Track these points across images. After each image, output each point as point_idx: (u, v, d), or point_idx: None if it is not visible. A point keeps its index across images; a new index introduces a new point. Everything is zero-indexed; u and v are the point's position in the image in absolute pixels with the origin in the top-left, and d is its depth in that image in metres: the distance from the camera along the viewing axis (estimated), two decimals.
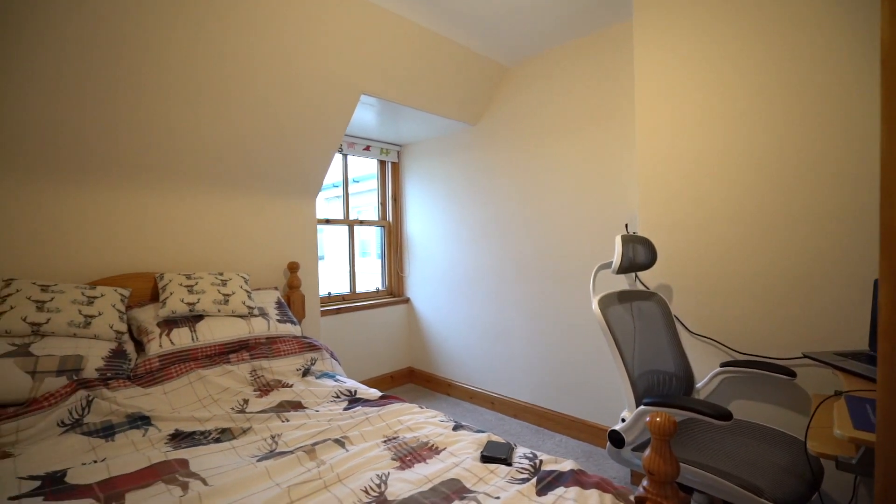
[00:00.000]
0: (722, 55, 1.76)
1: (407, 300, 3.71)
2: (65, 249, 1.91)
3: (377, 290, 3.68)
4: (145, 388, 1.61)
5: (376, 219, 3.71)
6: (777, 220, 1.66)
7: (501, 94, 2.96)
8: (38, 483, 1.07)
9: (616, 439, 1.47)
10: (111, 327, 1.73)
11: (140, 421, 1.43)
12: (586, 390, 2.57)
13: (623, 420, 1.48)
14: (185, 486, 1.07)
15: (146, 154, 2.04)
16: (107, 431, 1.37)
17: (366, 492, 1.07)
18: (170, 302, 1.93)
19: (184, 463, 1.19)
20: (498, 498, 1.03)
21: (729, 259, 1.78)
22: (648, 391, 1.56)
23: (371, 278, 3.76)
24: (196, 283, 2.04)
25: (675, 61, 1.88)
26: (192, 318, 1.96)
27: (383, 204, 3.74)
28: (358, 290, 3.53)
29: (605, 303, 1.57)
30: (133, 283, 2.04)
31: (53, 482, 1.08)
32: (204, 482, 1.09)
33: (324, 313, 3.08)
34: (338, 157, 3.37)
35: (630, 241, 1.69)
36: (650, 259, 1.77)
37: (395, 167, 3.74)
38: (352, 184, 3.51)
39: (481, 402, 3.14)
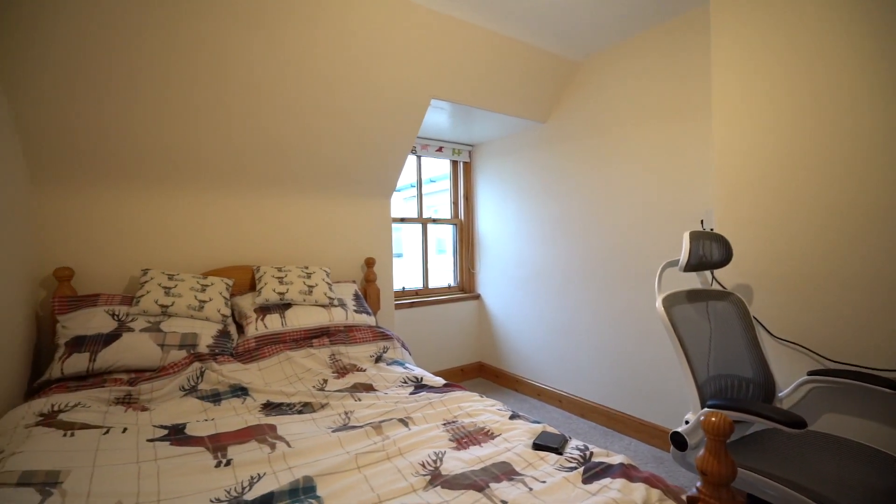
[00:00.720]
0: (805, 43, 1.61)
1: (477, 296, 3.80)
2: (185, 245, 2.28)
3: (449, 286, 3.82)
4: (244, 364, 1.88)
5: (449, 217, 3.85)
6: (874, 215, 1.48)
7: (571, 90, 2.92)
8: (166, 431, 1.33)
9: (678, 441, 1.43)
10: (219, 311, 2.03)
11: (240, 391, 1.69)
12: (659, 393, 2.46)
13: (686, 422, 1.44)
14: (273, 446, 1.27)
15: (250, 162, 2.35)
16: (215, 397, 1.63)
17: (423, 465, 1.17)
18: (264, 291, 2.21)
19: (273, 428, 1.39)
20: (544, 482, 1.08)
21: (817, 258, 1.62)
22: (718, 395, 1.49)
23: (447, 275, 3.91)
24: (286, 276, 2.31)
25: (755, 50, 1.75)
26: (282, 306, 2.22)
27: (455, 203, 3.86)
28: (431, 285, 3.69)
29: (670, 301, 1.53)
30: (236, 274, 2.36)
31: (177, 432, 1.33)
32: (288, 444, 1.28)
33: (398, 307, 3.28)
34: (413, 159, 3.55)
35: (700, 237, 1.61)
36: (724, 257, 1.67)
37: (467, 167, 3.84)
38: (428, 183, 3.67)
39: (549, 399, 3.14)
